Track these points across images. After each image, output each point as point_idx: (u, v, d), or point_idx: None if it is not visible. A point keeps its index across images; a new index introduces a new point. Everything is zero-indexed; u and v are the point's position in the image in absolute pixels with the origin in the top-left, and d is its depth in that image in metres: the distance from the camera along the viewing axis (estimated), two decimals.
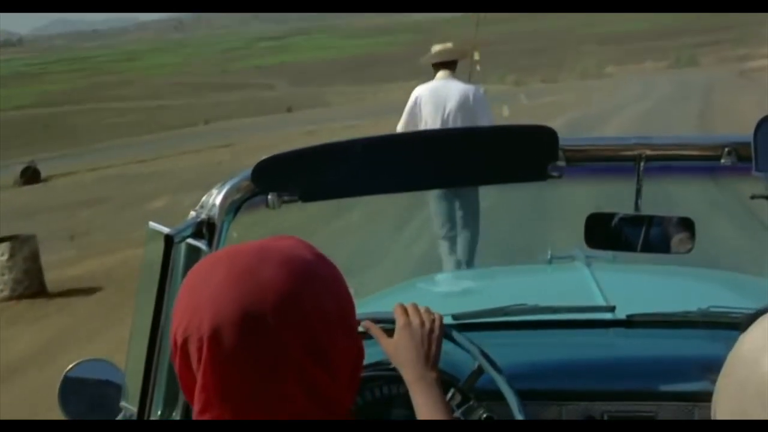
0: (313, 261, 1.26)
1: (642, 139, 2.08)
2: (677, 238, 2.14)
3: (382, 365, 2.15)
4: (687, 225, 2.14)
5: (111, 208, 16.81)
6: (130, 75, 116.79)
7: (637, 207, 2.07)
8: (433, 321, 1.89)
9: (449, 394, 2.14)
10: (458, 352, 2.14)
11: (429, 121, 7.32)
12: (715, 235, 7.91)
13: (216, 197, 1.95)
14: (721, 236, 8.23)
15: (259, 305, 1.19)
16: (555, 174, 2.02)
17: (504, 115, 26.96)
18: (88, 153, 35.44)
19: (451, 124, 7.24)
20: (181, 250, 1.91)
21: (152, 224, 1.94)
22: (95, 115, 66.03)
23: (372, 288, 6.00)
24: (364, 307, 2.05)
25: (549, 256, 3.85)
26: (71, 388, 2.34)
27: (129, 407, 2.07)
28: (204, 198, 1.98)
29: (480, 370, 2.12)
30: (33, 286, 10.13)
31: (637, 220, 2.11)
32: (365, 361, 1.35)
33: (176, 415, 1.97)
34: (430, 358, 1.84)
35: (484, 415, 2.17)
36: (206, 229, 1.93)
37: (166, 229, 1.86)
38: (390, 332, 1.89)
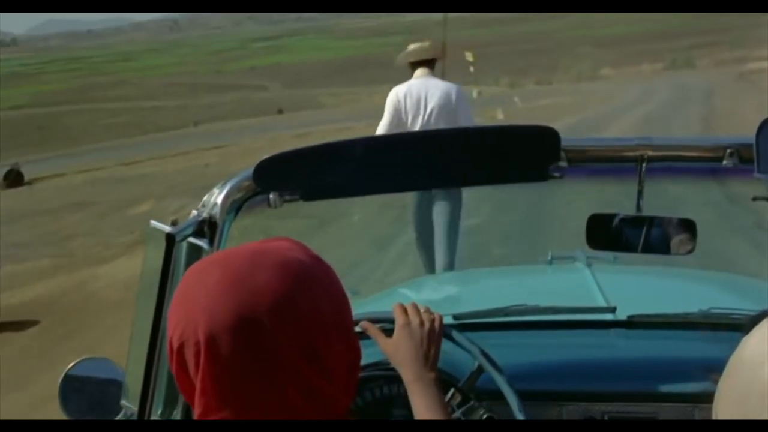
0: (308, 263, 1.26)
1: (644, 140, 2.06)
2: (678, 240, 2.14)
3: (382, 365, 2.14)
4: (688, 226, 2.14)
5: (95, 213, 16.35)
6: (124, 75, 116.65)
7: (638, 208, 2.07)
8: (433, 321, 1.88)
9: (449, 394, 2.15)
10: (458, 352, 2.15)
11: (410, 121, 7.06)
12: (716, 236, 7.84)
13: (217, 196, 1.96)
14: (722, 238, 8.14)
15: (255, 309, 1.18)
16: (556, 174, 2.02)
17: (498, 118, 26.70)
18: (79, 154, 35.08)
19: (433, 124, 7.02)
20: (183, 249, 1.91)
21: (153, 223, 1.95)
22: (89, 116, 65.76)
23: (372, 288, 6.11)
24: (365, 307, 2.08)
25: (550, 257, 3.88)
26: (72, 386, 2.33)
27: (129, 406, 2.10)
28: (205, 197, 1.99)
29: (480, 370, 2.13)
30: None
31: (638, 221, 2.11)
32: (365, 362, 1.35)
33: (176, 414, 1.98)
34: (429, 358, 1.83)
35: (485, 416, 2.19)
36: (207, 228, 1.94)
37: (167, 228, 1.86)
38: (389, 332, 1.88)
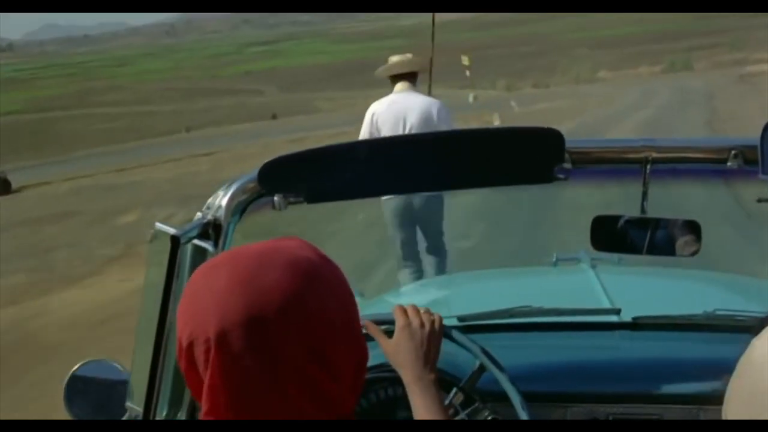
0: (317, 262, 1.26)
1: (648, 141, 2.06)
2: (683, 241, 2.13)
3: (386, 367, 2.07)
4: (693, 228, 2.13)
5: (79, 223, 15.94)
6: (120, 80, 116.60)
7: (643, 209, 2.07)
8: (433, 322, 1.89)
9: (453, 395, 2.15)
10: (461, 353, 2.14)
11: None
12: (721, 238, 7.76)
13: (222, 198, 1.97)
14: (727, 239, 8.10)
15: (264, 308, 1.18)
16: (561, 176, 2.02)
17: (495, 123, 26.19)
18: (70, 161, 34.90)
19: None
20: (187, 251, 1.92)
21: (158, 225, 1.92)
22: (83, 121, 65.56)
23: (378, 290, 6.05)
24: (369, 308, 2.06)
25: (554, 259, 3.87)
26: (76, 388, 2.31)
27: (134, 408, 2.10)
28: (210, 199, 1.99)
29: (481, 369, 2.12)
30: None
31: (642, 223, 2.11)
32: (369, 363, 1.34)
33: (181, 416, 2.00)
34: (430, 359, 1.84)
35: (489, 417, 2.20)
36: (212, 230, 1.95)
37: (172, 230, 1.84)
38: (390, 333, 1.89)
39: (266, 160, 1.96)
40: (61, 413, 2.33)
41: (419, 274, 6.82)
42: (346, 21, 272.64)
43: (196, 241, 1.92)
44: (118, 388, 2.26)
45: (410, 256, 6.90)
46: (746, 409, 1.04)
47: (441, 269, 6.75)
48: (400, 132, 6.43)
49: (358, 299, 1.32)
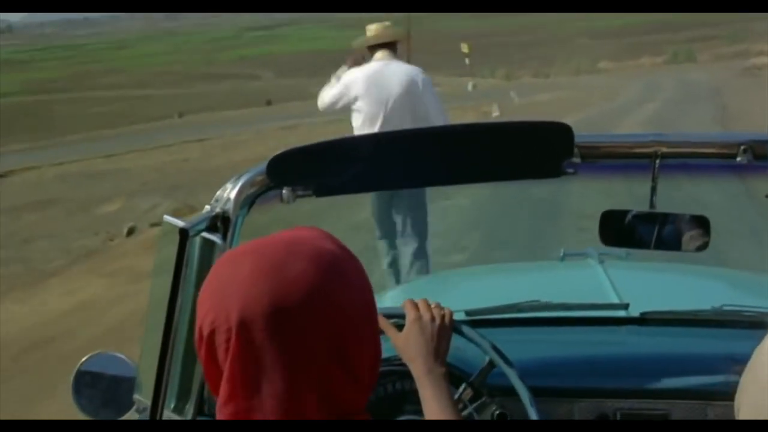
0: (341, 255, 1.26)
1: (658, 136, 2.06)
2: (691, 236, 2.13)
3: (394, 361, 2.09)
4: (701, 223, 2.13)
5: (61, 211, 15.57)
6: (118, 63, 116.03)
7: (651, 204, 2.08)
8: (443, 316, 1.91)
9: (461, 390, 2.15)
10: (470, 348, 2.15)
11: (368, 109, 6.31)
12: (729, 233, 7.85)
13: (231, 191, 1.98)
14: (735, 234, 8.13)
15: (288, 298, 1.19)
16: (570, 171, 2.02)
17: (493, 115, 25.70)
18: (61, 145, 34.38)
19: (396, 112, 6.26)
20: (196, 244, 1.92)
21: (167, 217, 1.92)
22: (78, 105, 65.03)
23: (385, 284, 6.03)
24: (378, 303, 1.76)
25: (562, 254, 3.92)
26: (84, 381, 2.31)
27: (142, 400, 2.11)
28: (219, 192, 2.00)
29: (491, 365, 2.11)
30: None
31: (651, 218, 2.11)
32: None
33: (189, 408, 2.01)
34: (440, 353, 1.86)
35: (497, 412, 2.22)
36: (221, 223, 1.96)
37: (181, 223, 1.85)
38: (400, 327, 1.91)
39: (275, 153, 1.99)
40: None
41: (398, 276, 6.54)
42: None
43: (204, 234, 1.93)
44: (125, 381, 2.26)
45: (390, 257, 6.63)
46: (759, 401, 1.04)
47: (422, 272, 6.41)
48: (382, 100, 6.24)
49: None
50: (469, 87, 42.41)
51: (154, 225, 12.56)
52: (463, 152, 2.08)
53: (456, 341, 1.99)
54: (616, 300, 2.95)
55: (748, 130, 2.48)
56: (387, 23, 6.71)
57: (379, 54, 6.47)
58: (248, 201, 2.00)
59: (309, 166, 2.04)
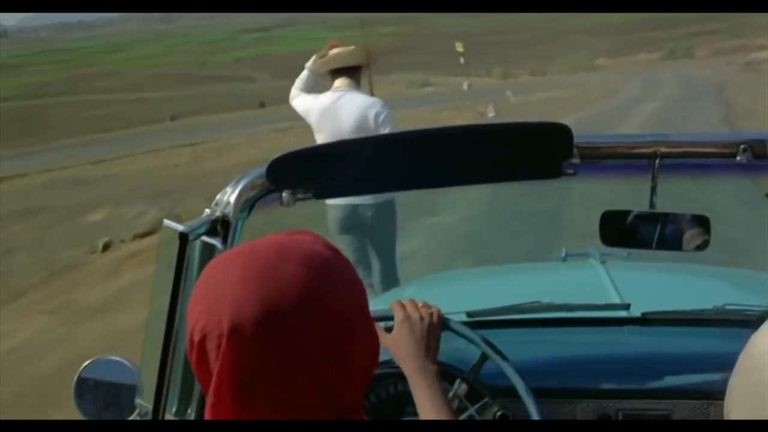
0: (331, 257, 1.25)
1: (657, 136, 2.06)
2: (692, 236, 2.12)
3: (393, 363, 2.09)
4: (702, 222, 2.12)
5: (46, 220, 15.23)
6: (112, 67, 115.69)
7: (652, 204, 2.07)
8: (431, 315, 1.94)
9: (456, 386, 2.17)
10: (469, 348, 2.17)
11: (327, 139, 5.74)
12: (730, 232, 7.85)
13: (231, 195, 1.98)
14: (736, 234, 8.11)
15: (281, 302, 1.17)
16: (569, 171, 2.02)
17: (489, 115, 25.24)
18: (54, 150, 34.22)
19: None
20: (196, 247, 1.93)
21: (167, 222, 1.94)
22: (72, 109, 64.85)
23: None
24: (377, 305, 2.04)
25: (563, 254, 3.90)
26: (86, 386, 2.32)
27: (144, 405, 2.10)
28: (218, 195, 2.01)
29: (483, 358, 2.13)
30: None
31: (652, 218, 2.11)
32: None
33: (191, 412, 2.00)
34: (431, 351, 1.88)
35: (499, 413, 2.23)
36: (221, 227, 1.96)
37: (180, 227, 1.85)
38: (389, 329, 1.94)
39: (275, 156, 1.97)
40: None
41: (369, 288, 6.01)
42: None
43: (204, 238, 1.92)
44: (127, 385, 2.25)
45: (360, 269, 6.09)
46: (748, 404, 1.04)
47: (391, 285, 5.93)
48: (333, 136, 5.60)
49: None
50: (465, 86, 42.08)
51: (136, 237, 12.14)
52: (462, 154, 2.07)
53: (453, 341, 2.07)
54: (617, 300, 2.97)
55: (761, 129, 2.38)
56: (352, 47, 6.14)
57: (338, 82, 5.95)
58: (248, 204, 2.00)
59: (309, 169, 2.04)
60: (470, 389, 2.19)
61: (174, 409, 1.99)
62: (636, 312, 2.70)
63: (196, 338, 1.20)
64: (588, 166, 2.05)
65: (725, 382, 1.04)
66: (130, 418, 2.24)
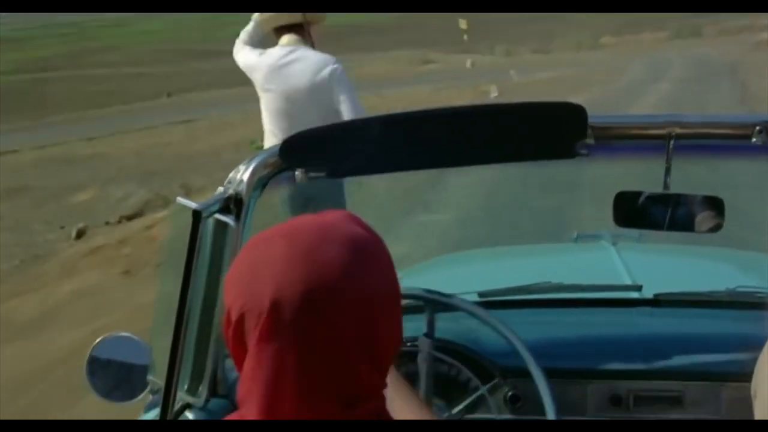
0: (370, 239, 1.26)
1: (672, 116, 2.05)
2: (705, 217, 2.12)
3: (405, 342, 2.16)
4: (715, 204, 2.12)
5: (31, 200, 14.86)
6: (115, 41, 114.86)
7: (665, 185, 2.07)
8: None
9: (474, 372, 2.29)
10: (481, 329, 2.23)
11: (271, 105, 5.44)
12: (743, 214, 7.65)
13: (244, 173, 2.00)
14: (749, 216, 7.97)
15: (322, 283, 1.19)
16: (583, 152, 2.03)
17: (492, 95, 24.70)
18: (48, 126, 33.67)
19: (300, 109, 5.34)
20: (209, 225, 1.94)
21: (180, 199, 1.94)
22: (71, 84, 64.23)
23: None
24: None
25: (575, 236, 3.98)
26: (98, 363, 2.35)
27: (156, 381, 2.16)
28: (231, 173, 2.01)
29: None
30: None
31: (665, 199, 2.11)
32: None
33: (203, 390, 2.05)
34: None
35: (510, 393, 2.29)
36: (234, 205, 1.98)
37: (193, 204, 1.87)
38: None
39: (289, 135, 2.02)
40: None
41: None
42: None
43: (217, 216, 1.95)
44: (139, 363, 2.27)
45: None
46: None
47: None
48: (283, 95, 5.36)
49: None
50: (468, 64, 41.56)
51: (120, 221, 11.69)
52: (475, 133, 2.06)
53: (463, 321, 2.15)
54: (629, 281, 2.97)
55: None
56: None
57: (285, 39, 5.52)
58: (261, 182, 2.01)
59: (322, 148, 2.05)
60: (481, 369, 2.25)
61: (186, 387, 2.03)
62: (648, 293, 2.73)
63: (235, 316, 1.22)
64: (602, 147, 2.04)
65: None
66: (142, 395, 2.28)
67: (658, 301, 2.71)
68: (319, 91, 5.30)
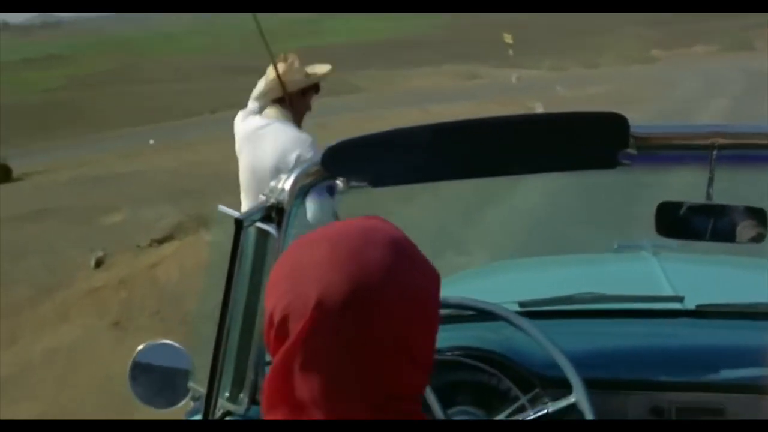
0: (409, 242, 1.28)
1: (715, 126, 2.05)
2: (748, 228, 2.10)
3: (447, 352, 2.25)
4: (758, 215, 2.11)
5: (62, 222, 14.45)
6: (163, 57, 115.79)
7: (708, 196, 2.06)
8: None
9: (514, 382, 2.28)
10: (518, 337, 2.24)
11: (241, 174, 5.09)
12: None
13: (285, 182, 2.01)
14: None
15: (366, 285, 1.19)
16: (625, 162, 2.01)
17: (536, 111, 24.05)
18: (89, 143, 33.59)
19: (260, 186, 4.78)
20: (251, 234, 1.97)
21: (222, 207, 2.01)
22: (118, 100, 64.73)
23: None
24: None
25: (616, 246, 4.01)
26: (140, 370, 2.37)
27: (197, 388, 2.23)
28: (273, 182, 2.04)
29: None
30: None
31: (707, 209, 2.11)
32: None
33: (243, 397, 2.07)
34: None
35: (548, 403, 2.25)
36: (275, 214, 2.00)
37: (236, 213, 1.91)
38: None
39: (330, 144, 2.01)
40: None
41: None
42: None
43: (258, 224, 1.97)
44: (180, 370, 2.32)
45: None
46: None
47: None
48: (249, 169, 4.99)
49: None
50: (513, 79, 41.00)
51: (151, 244, 11.23)
52: (518, 143, 2.06)
53: (503, 331, 2.21)
54: (670, 292, 2.96)
55: None
56: (296, 64, 5.17)
57: (270, 110, 5.11)
58: (302, 191, 2.02)
59: (364, 157, 2.05)
60: (521, 379, 2.24)
61: (227, 394, 2.05)
62: (690, 304, 2.72)
63: (277, 318, 1.21)
64: (644, 157, 2.01)
65: None
66: (183, 402, 2.30)
67: (699, 312, 2.71)
68: (281, 172, 4.78)
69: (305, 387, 1.21)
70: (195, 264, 9.65)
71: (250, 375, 2.07)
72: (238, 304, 1.98)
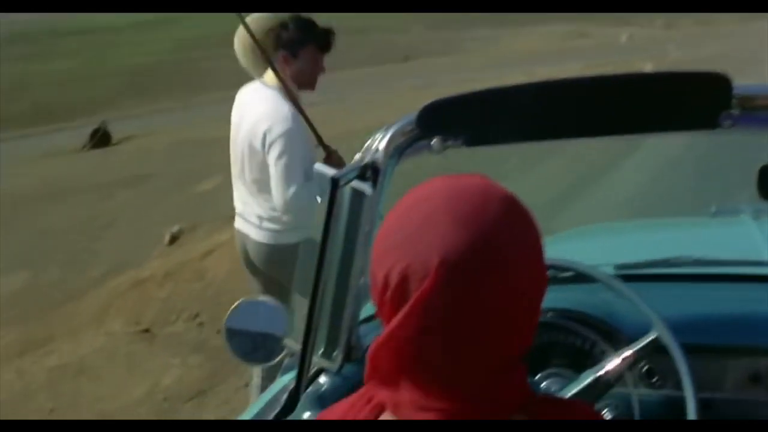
0: (521, 201, 1.25)
1: None
2: None
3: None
4: None
5: (155, 188, 14.25)
6: None
7: None
8: None
9: (609, 345, 2.23)
10: (618, 302, 2.20)
11: (231, 146, 4.74)
12: None
13: (381, 141, 2.02)
14: None
15: (490, 245, 1.16)
16: (727, 123, 1.95)
17: None
18: (192, 108, 33.35)
19: (242, 164, 4.64)
20: (345, 193, 1.97)
21: (318, 165, 2.06)
22: (224, 63, 64.75)
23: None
24: None
25: (713, 210, 3.83)
26: (237, 325, 2.40)
27: (292, 345, 2.24)
28: (368, 142, 2.05)
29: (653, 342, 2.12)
30: None
31: None
32: None
33: (338, 355, 2.11)
34: None
35: (645, 368, 2.24)
36: (371, 172, 2.00)
37: (331, 171, 1.93)
38: None
39: (426, 103, 2.00)
40: None
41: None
42: None
43: (354, 184, 1.97)
44: (276, 327, 2.34)
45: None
46: None
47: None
48: (234, 139, 4.70)
49: None
50: (623, 38, 39.65)
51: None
52: (616, 102, 2.01)
53: (600, 294, 2.19)
54: None
55: None
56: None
57: (268, 76, 4.64)
58: (398, 151, 2.02)
59: (459, 116, 2.03)
60: (617, 343, 2.21)
61: (321, 351, 2.10)
62: None
63: (394, 280, 1.17)
64: (747, 118, 1.93)
65: None
66: (278, 359, 2.33)
67: None
68: (253, 148, 4.50)
69: (425, 350, 1.16)
70: None
71: (344, 333, 2.09)
72: (333, 263, 1.99)
